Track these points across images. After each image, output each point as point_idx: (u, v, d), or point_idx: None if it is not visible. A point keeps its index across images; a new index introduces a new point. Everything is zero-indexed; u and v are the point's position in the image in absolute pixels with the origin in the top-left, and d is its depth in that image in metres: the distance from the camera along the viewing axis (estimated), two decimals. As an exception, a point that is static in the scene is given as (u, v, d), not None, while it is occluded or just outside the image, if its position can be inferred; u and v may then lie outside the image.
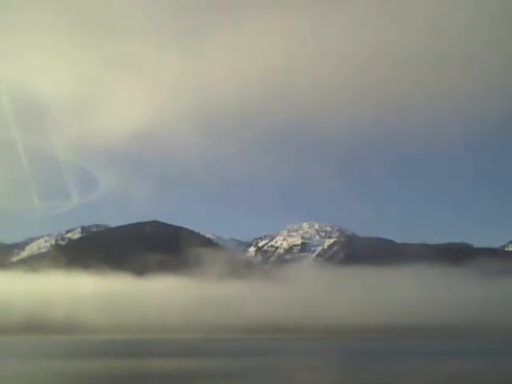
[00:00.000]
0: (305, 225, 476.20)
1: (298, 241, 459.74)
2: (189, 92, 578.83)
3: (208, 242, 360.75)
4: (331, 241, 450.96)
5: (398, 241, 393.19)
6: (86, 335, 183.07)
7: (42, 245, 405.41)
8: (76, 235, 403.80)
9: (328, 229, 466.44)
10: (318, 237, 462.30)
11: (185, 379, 45.77)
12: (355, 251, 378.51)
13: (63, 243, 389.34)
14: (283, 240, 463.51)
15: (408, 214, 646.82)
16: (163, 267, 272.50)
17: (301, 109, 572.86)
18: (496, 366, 61.01)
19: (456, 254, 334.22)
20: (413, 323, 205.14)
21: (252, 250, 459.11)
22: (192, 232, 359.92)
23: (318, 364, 62.12)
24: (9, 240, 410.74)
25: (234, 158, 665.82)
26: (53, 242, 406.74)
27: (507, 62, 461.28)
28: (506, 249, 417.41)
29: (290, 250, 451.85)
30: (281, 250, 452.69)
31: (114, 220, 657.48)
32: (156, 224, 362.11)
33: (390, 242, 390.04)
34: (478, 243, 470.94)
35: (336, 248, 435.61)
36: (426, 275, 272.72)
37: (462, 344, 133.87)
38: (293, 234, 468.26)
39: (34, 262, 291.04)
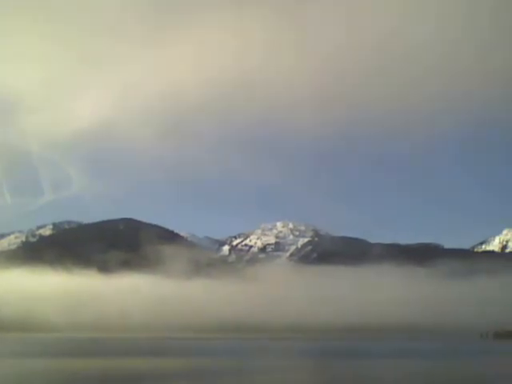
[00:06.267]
0: (279, 224, 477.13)
1: (272, 240, 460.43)
2: (165, 92, 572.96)
3: (182, 241, 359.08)
4: (305, 240, 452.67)
5: (371, 241, 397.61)
6: (44, 333, 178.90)
7: (12, 241, 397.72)
8: (47, 232, 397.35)
9: (302, 228, 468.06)
10: (291, 236, 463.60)
11: (143, 380, 44.79)
12: (328, 250, 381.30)
13: (34, 240, 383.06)
14: (257, 239, 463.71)
15: (381, 214, 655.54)
16: (133, 265, 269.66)
17: (276, 109, 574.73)
18: (460, 366, 61.74)
19: (426, 254, 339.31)
20: (383, 322, 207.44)
21: (226, 248, 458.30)
22: (166, 230, 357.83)
23: (286, 364, 61.80)
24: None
25: (209, 157, 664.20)
26: (23, 238, 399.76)
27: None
28: (476, 250, 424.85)
29: (264, 248, 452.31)
30: (255, 249, 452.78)
31: (88, 217, 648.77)
32: (129, 221, 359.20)
33: (363, 242, 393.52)
34: (448, 244, 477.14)
35: (309, 247, 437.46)
36: (397, 275, 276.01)
37: (427, 344, 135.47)
38: (267, 233, 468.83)
39: (3, 259, 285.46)
